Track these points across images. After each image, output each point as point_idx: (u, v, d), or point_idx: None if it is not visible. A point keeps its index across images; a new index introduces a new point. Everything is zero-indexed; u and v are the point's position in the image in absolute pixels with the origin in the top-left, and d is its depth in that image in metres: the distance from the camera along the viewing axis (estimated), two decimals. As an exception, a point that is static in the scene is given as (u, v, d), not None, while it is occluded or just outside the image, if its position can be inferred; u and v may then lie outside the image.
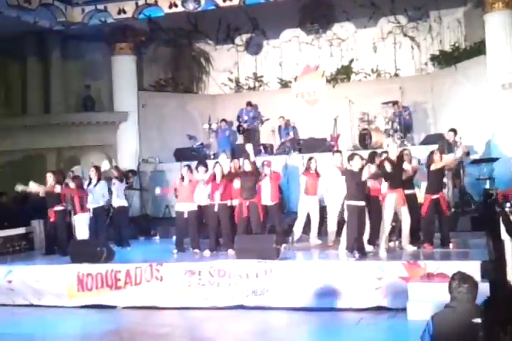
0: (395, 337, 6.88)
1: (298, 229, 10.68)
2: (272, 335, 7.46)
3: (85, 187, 11.13)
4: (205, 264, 8.96)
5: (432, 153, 9.53)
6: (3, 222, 12.11)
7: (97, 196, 11.12)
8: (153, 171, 15.32)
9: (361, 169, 8.85)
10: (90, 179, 11.35)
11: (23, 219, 12.11)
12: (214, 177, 10.39)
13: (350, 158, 9.04)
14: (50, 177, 10.96)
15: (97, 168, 11.51)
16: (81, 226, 10.84)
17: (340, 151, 10.15)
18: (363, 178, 8.74)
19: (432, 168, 9.26)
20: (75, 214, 10.94)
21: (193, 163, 11.48)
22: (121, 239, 11.52)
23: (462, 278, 3.93)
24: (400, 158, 9.36)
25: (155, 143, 16.37)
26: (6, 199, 13.61)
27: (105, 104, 16.64)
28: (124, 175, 12.37)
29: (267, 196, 10.35)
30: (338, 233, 9.68)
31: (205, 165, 10.99)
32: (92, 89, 16.66)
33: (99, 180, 11.25)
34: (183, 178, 10.58)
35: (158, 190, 11.24)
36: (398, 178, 9.21)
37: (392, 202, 9.11)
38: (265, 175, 10.36)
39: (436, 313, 3.90)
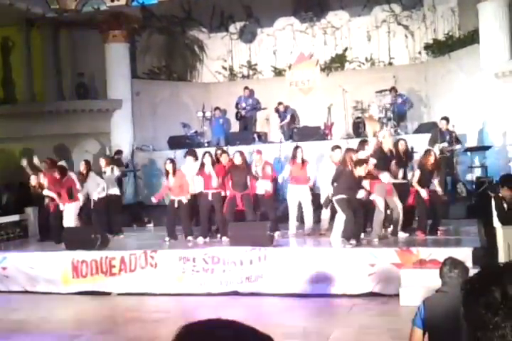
0: (388, 323, 6.96)
1: (292, 222, 10.35)
2: (265, 321, 7.50)
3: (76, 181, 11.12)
4: (200, 251, 9.03)
5: (427, 152, 9.57)
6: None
7: (91, 189, 11.14)
8: (147, 159, 15.31)
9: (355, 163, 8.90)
10: (82, 174, 11.33)
11: (16, 207, 12.12)
12: (203, 167, 10.35)
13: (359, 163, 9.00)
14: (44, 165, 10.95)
15: (87, 162, 11.55)
16: (69, 216, 10.77)
17: (339, 147, 10.13)
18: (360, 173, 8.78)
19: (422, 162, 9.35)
20: (63, 204, 10.87)
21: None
22: (112, 226, 11.52)
23: (453, 263, 3.98)
24: (394, 150, 9.42)
25: (149, 131, 16.36)
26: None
27: (99, 91, 16.59)
28: (114, 163, 12.37)
29: (259, 185, 10.35)
30: (331, 220, 9.72)
31: (194, 155, 10.97)
32: (85, 77, 16.59)
33: (88, 172, 11.25)
34: (167, 174, 10.54)
35: (154, 200, 10.99)
36: (387, 169, 9.27)
37: (381, 191, 9.16)
38: (256, 166, 10.36)
39: (428, 297, 3.96)
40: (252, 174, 10.27)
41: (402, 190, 9.50)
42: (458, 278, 3.85)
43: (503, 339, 1.32)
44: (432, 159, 9.29)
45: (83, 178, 11.19)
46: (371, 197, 9.26)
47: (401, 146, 9.80)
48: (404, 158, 9.85)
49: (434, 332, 3.73)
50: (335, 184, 9.00)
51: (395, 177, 9.55)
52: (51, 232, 10.96)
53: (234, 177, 10.09)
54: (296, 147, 10.65)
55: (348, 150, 9.38)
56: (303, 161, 10.33)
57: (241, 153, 10.24)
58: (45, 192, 10.94)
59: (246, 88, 15.66)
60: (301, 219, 10.41)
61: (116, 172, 11.78)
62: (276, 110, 15.17)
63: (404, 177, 9.77)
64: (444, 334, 3.60)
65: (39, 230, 11.49)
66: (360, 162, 8.91)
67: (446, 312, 3.68)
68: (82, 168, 11.33)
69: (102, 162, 11.66)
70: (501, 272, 1.42)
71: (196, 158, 10.84)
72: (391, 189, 9.29)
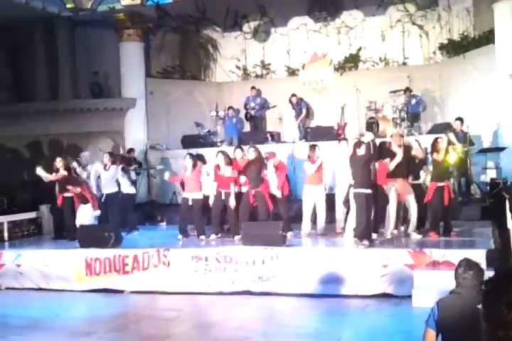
0: (400, 324, 6.94)
1: (306, 223, 10.29)
2: (277, 321, 7.54)
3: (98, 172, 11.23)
4: (212, 250, 9.05)
5: (436, 140, 9.51)
6: (13, 207, 12.22)
7: (109, 181, 11.23)
8: (161, 158, 15.36)
9: (367, 155, 8.91)
10: (105, 165, 11.42)
11: (32, 204, 12.22)
12: (218, 166, 10.37)
13: (357, 145, 9.04)
14: (59, 163, 10.98)
15: (111, 154, 11.62)
16: (82, 216, 10.84)
17: (346, 139, 10.16)
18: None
19: (435, 156, 9.29)
20: (78, 205, 10.93)
21: (197, 150, 11.52)
22: (127, 224, 11.60)
23: (468, 264, 3.97)
24: (408, 147, 9.38)
25: (162, 130, 16.42)
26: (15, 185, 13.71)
27: (113, 90, 16.66)
28: (126, 161, 12.46)
29: (273, 187, 10.34)
30: (345, 220, 9.73)
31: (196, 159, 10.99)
32: (100, 76, 16.68)
33: (112, 164, 11.33)
34: (186, 168, 10.58)
35: (167, 176, 11.25)
36: (403, 167, 9.23)
37: (394, 190, 9.15)
38: (276, 167, 10.35)
39: (442, 299, 3.96)
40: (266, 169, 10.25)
41: (417, 190, 9.48)
42: (473, 279, 3.84)
43: None
44: (440, 145, 9.21)
45: (104, 169, 11.29)
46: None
47: (414, 143, 9.73)
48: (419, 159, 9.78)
49: (448, 334, 3.73)
50: (355, 176, 8.99)
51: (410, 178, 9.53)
52: (66, 230, 11.03)
53: (247, 171, 10.09)
54: (313, 146, 10.56)
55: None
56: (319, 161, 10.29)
57: (255, 149, 10.25)
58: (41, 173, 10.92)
59: (253, 88, 15.66)
60: (314, 219, 10.38)
61: (118, 172, 11.77)
62: (290, 101, 15.12)
63: (417, 177, 9.73)
64: (458, 335, 3.60)
65: (54, 228, 11.56)
66: (359, 143, 8.98)
67: (461, 314, 3.67)
68: (106, 159, 11.41)
69: (106, 158, 11.55)
70: None
71: (204, 162, 10.87)
72: (405, 189, 9.25)
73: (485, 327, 1.44)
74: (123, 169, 11.69)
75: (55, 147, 15.77)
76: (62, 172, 10.81)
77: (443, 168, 9.36)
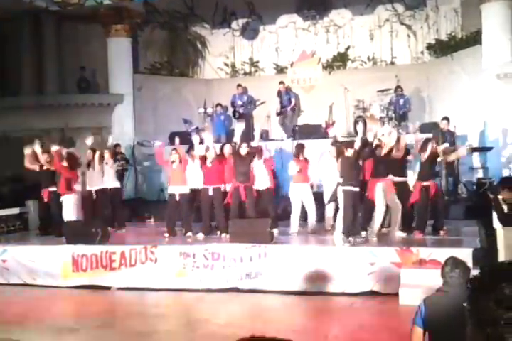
0: (387, 322, 6.99)
1: (295, 220, 10.24)
2: (265, 317, 7.57)
3: (81, 169, 11.15)
4: (200, 247, 9.05)
5: (426, 141, 9.59)
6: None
7: (95, 177, 11.17)
8: (148, 154, 15.30)
9: (356, 154, 8.99)
10: (88, 161, 11.35)
11: (17, 200, 12.12)
12: (204, 160, 10.35)
13: (349, 145, 9.12)
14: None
15: (94, 150, 11.53)
16: (68, 208, 10.76)
17: (338, 141, 10.17)
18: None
19: (422, 156, 9.36)
20: (62, 194, 10.84)
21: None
22: (115, 221, 11.55)
23: (455, 263, 4.01)
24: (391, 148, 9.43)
25: (150, 126, 16.35)
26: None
27: (100, 86, 16.58)
28: (114, 155, 12.40)
29: (259, 180, 10.38)
30: (334, 218, 9.76)
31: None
32: (87, 71, 16.58)
33: (95, 161, 11.27)
34: (173, 161, 10.54)
35: (157, 144, 11.00)
36: (384, 166, 9.28)
37: (380, 189, 9.20)
38: (258, 159, 10.37)
39: (428, 297, 3.99)
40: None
41: (402, 188, 9.52)
42: (459, 277, 3.88)
43: None
44: (429, 147, 9.30)
45: (89, 167, 11.21)
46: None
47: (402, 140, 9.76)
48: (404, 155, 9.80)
49: (435, 332, 3.76)
50: (343, 174, 9.05)
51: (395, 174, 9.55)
52: (52, 226, 10.96)
53: (238, 167, 10.10)
54: (300, 145, 10.59)
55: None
56: (305, 159, 10.32)
57: (248, 144, 10.26)
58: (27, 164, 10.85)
59: (239, 85, 15.62)
60: (302, 217, 10.39)
61: (116, 165, 11.80)
62: (278, 92, 15.08)
63: (403, 175, 9.76)
64: (445, 333, 3.63)
65: (40, 224, 11.47)
66: (350, 144, 9.05)
67: (447, 312, 3.70)
68: (90, 156, 11.32)
69: (107, 154, 11.52)
70: (509, 269, 1.45)
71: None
72: (391, 187, 9.30)
73: (471, 325, 1.46)
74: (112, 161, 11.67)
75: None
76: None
77: (429, 168, 9.43)
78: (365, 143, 9.35)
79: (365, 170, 9.57)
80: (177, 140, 10.93)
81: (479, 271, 1.59)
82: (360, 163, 9.32)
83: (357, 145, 9.07)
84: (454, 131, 12.03)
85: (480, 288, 1.45)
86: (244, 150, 10.15)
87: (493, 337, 1.37)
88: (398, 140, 9.62)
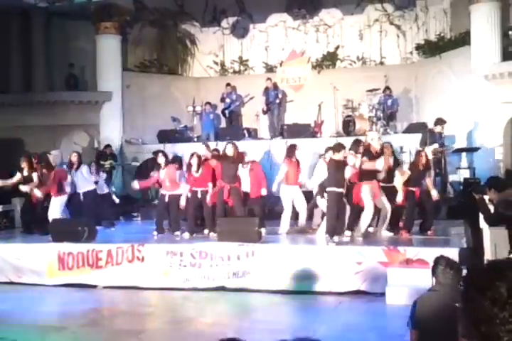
0: (373, 321, 7.00)
1: (285, 221, 10.14)
2: (252, 317, 7.55)
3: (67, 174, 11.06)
4: (187, 246, 9.02)
5: (418, 153, 9.66)
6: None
7: (83, 180, 11.10)
8: (136, 152, 15.25)
9: (344, 159, 9.04)
10: (72, 164, 11.26)
11: (3, 197, 12.02)
12: (190, 167, 10.26)
13: (337, 149, 9.16)
14: (23, 163, 10.75)
15: (79, 153, 11.50)
16: (55, 208, 10.67)
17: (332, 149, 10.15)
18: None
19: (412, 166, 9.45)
20: (53, 196, 10.73)
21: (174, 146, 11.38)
22: (103, 219, 11.50)
23: (447, 262, 4.02)
24: (380, 151, 9.45)
25: (138, 124, 16.30)
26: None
27: (89, 83, 16.50)
28: (100, 156, 12.38)
29: (247, 186, 10.27)
30: (322, 217, 9.77)
31: (180, 164, 10.93)
32: (76, 68, 16.49)
33: (80, 164, 11.20)
34: (159, 167, 10.50)
35: (136, 186, 10.86)
36: (374, 171, 9.31)
37: (367, 191, 9.22)
38: (245, 165, 10.25)
39: (420, 296, 4.00)
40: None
41: (390, 192, 9.53)
42: (452, 277, 3.89)
43: (511, 333, 1.34)
44: (423, 159, 9.37)
45: (74, 170, 11.14)
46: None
47: (386, 150, 9.76)
48: (392, 163, 9.83)
49: (425, 331, 3.77)
50: (328, 176, 9.08)
51: (382, 181, 9.57)
52: (37, 223, 10.89)
53: (224, 168, 10.04)
54: (292, 146, 10.39)
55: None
56: (297, 161, 10.19)
57: (233, 145, 10.17)
58: (22, 187, 10.74)
59: (228, 85, 15.58)
60: (294, 216, 10.32)
61: (103, 175, 11.93)
62: (265, 89, 14.99)
63: (391, 180, 9.75)
64: (436, 332, 3.64)
65: (22, 221, 11.35)
66: (338, 147, 9.09)
67: (438, 311, 3.72)
68: (75, 159, 11.24)
69: (74, 157, 11.33)
70: (503, 268, 1.44)
71: (180, 167, 10.80)
72: (378, 191, 9.34)
73: (464, 324, 1.45)
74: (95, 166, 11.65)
75: (28, 140, 15.51)
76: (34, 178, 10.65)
77: (418, 176, 9.46)
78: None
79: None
80: (162, 158, 10.66)
81: (470, 270, 1.58)
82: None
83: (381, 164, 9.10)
84: (443, 132, 12.07)
85: (474, 286, 1.44)
86: (230, 151, 10.03)
87: (488, 336, 1.36)
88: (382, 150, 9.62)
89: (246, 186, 10.27)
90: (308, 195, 10.45)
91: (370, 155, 9.29)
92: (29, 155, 11.11)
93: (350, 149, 9.41)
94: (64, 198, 10.76)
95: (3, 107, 15.51)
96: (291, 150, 10.21)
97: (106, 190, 11.92)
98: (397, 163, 10.06)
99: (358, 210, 9.45)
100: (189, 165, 10.29)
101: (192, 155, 10.32)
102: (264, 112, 15.05)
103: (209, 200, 10.07)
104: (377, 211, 9.56)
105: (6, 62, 16.45)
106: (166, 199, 10.41)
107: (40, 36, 16.49)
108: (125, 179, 14.85)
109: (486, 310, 1.38)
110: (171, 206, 10.42)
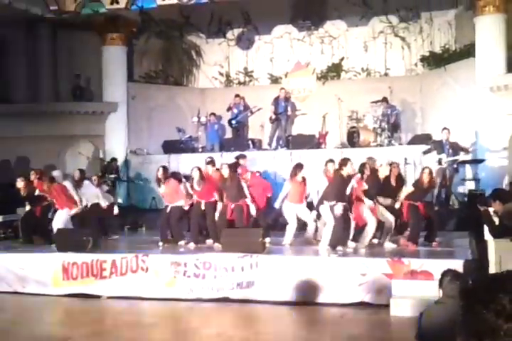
0: (378, 333, 6.98)
1: (290, 233, 10.02)
2: (255, 328, 7.54)
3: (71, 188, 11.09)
4: (191, 256, 9.01)
5: (422, 170, 9.67)
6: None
7: (86, 196, 11.15)
8: (141, 163, 15.30)
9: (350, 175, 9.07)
10: (76, 182, 11.32)
11: (7, 207, 12.06)
12: (192, 181, 10.27)
13: (343, 163, 9.18)
14: (20, 183, 10.98)
15: (82, 171, 11.58)
16: (59, 219, 10.65)
17: (333, 161, 10.14)
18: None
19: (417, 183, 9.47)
20: (60, 208, 10.74)
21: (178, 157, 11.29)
22: (107, 228, 11.52)
23: (454, 275, 4.02)
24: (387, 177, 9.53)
25: (143, 135, 16.36)
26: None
27: (95, 94, 16.58)
28: (106, 169, 12.42)
29: (249, 200, 10.13)
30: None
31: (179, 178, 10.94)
32: (82, 79, 16.58)
33: (82, 180, 11.27)
34: (159, 181, 10.54)
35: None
36: (373, 191, 9.38)
37: (367, 209, 9.29)
38: (246, 181, 10.23)
39: (426, 308, 3.99)
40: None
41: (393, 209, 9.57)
42: (458, 289, 3.88)
43: None
44: (427, 177, 9.38)
45: (77, 186, 11.18)
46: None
47: (393, 172, 9.76)
48: (396, 183, 9.82)
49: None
50: (332, 189, 9.10)
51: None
52: (39, 234, 10.91)
53: (225, 190, 10.05)
54: (298, 165, 10.21)
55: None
56: (303, 179, 10.05)
57: (228, 166, 10.18)
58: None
59: (237, 96, 15.57)
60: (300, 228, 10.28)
61: (105, 188, 11.93)
62: (276, 99, 14.94)
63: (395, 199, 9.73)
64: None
65: (22, 231, 11.32)
66: (345, 161, 9.13)
67: (443, 323, 3.70)
68: (77, 176, 11.34)
69: (76, 174, 11.51)
70: (504, 280, 1.45)
71: (180, 181, 10.82)
72: (374, 209, 9.37)
73: (465, 337, 1.45)
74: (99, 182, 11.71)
75: (31, 150, 15.54)
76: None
77: (422, 195, 9.48)
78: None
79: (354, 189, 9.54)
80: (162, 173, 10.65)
81: (471, 282, 1.59)
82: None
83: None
84: (448, 138, 12.11)
85: (477, 299, 1.45)
86: (225, 171, 10.03)
87: None
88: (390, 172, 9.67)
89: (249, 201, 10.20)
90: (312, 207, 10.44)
91: (377, 181, 9.34)
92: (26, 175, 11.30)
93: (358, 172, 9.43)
94: (71, 211, 10.73)
95: (7, 117, 15.55)
96: (295, 169, 10.08)
97: (107, 202, 11.83)
98: (402, 184, 10.02)
99: (362, 225, 9.46)
100: (191, 179, 10.30)
101: (193, 169, 10.35)
102: (272, 121, 15.00)
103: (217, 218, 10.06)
104: (381, 223, 9.56)
105: (12, 73, 16.56)
106: (168, 210, 10.43)
107: (46, 47, 16.60)
108: (129, 190, 14.88)
109: (489, 323, 1.38)
110: (172, 217, 10.44)
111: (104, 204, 11.42)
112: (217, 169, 10.70)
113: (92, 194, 11.28)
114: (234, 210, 9.96)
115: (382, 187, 9.52)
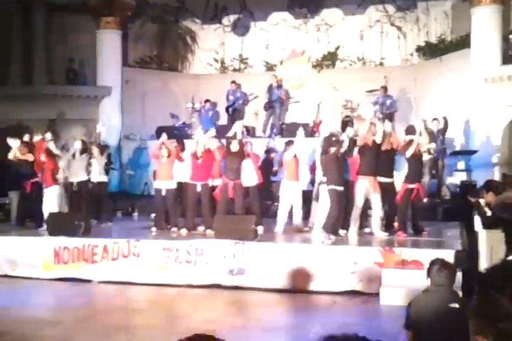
0: (368, 321, 7.02)
1: (281, 219, 10.13)
2: (246, 314, 7.57)
3: (67, 159, 11.08)
4: (183, 242, 9.02)
5: (410, 141, 9.59)
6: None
7: (79, 168, 11.09)
8: (134, 148, 15.25)
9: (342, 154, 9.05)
10: (74, 152, 11.27)
11: (0, 190, 12.01)
12: (194, 154, 10.25)
13: (331, 143, 9.17)
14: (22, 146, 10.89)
15: (84, 142, 11.48)
16: (50, 199, 10.65)
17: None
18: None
19: (408, 156, 9.38)
20: (46, 186, 10.72)
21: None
22: (101, 214, 11.49)
23: (443, 264, 4.05)
24: (379, 145, 9.39)
25: (137, 120, 16.30)
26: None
27: (88, 78, 16.47)
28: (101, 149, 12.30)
29: (247, 177, 10.32)
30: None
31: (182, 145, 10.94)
32: (76, 63, 16.47)
33: (82, 153, 11.20)
34: (162, 156, 10.48)
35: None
36: (372, 165, 9.27)
37: (362, 187, 9.19)
38: (247, 155, 10.30)
39: (415, 297, 4.02)
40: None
41: (388, 189, 9.52)
42: (446, 279, 3.92)
43: None
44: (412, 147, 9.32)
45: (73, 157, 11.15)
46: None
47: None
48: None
49: (421, 332, 3.78)
50: (328, 173, 9.06)
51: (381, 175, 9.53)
52: (32, 217, 10.88)
53: (228, 163, 10.04)
54: (289, 142, 10.41)
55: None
56: (295, 157, 10.16)
57: (239, 141, 10.17)
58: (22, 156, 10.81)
59: (233, 82, 15.49)
60: (289, 215, 10.32)
61: (104, 160, 11.73)
62: (269, 87, 14.89)
63: (390, 176, 9.73)
64: (431, 333, 3.66)
65: (17, 213, 11.32)
66: (333, 142, 9.15)
67: (431, 312, 3.74)
68: (78, 145, 11.23)
69: (78, 144, 11.40)
70: None
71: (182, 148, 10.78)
72: (375, 186, 9.26)
73: (477, 322, 1.47)
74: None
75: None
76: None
77: (416, 169, 9.46)
78: (352, 142, 9.39)
79: (351, 169, 9.58)
80: (164, 135, 10.75)
81: (489, 269, 1.61)
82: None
83: (345, 144, 9.11)
84: (439, 129, 12.10)
85: (492, 286, 1.48)
86: (235, 146, 10.07)
87: (505, 331, 1.40)
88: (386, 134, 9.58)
89: (247, 180, 10.22)
90: (306, 194, 10.46)
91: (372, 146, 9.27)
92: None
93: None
94: (57, 188, 10.71)
95: (2, 99, 15.45)
96: (286, 146, 10.23)
97: (104, 179, 11.72)
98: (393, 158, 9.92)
99: (351, 209, 9.43)
100: (194, 153, 10.20)
101: (197, 141, 10.25)
102: (266, 109, 14.94)
103: (218, 197, 10.05)
104: (367, 209, 9.51)
105: (6, 55, 16.40)
106: (163, 193, 10.39)
107: (40, 30, 16.45)
108: (122, 175, 14.84)
109: (504, 307, 1.42)
110: (168, 200, 10.40)
111: (97, 180, 11.32)
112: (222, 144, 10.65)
113: (83, 168, 11.16)
114: (234, 188, 9.93)
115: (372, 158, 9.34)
